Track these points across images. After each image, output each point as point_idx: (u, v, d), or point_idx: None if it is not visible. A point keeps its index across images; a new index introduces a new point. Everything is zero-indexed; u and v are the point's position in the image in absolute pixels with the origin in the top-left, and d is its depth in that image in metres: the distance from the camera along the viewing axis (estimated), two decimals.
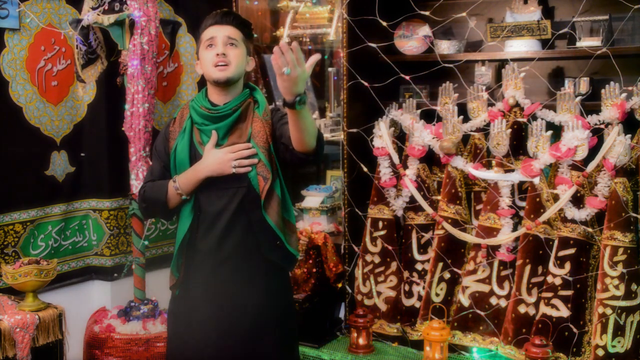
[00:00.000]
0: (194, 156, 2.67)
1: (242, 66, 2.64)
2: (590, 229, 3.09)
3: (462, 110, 3.40)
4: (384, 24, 3.46)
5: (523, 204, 3.25)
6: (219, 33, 2.61)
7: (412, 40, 3.70)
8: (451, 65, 3.36)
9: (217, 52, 2.59)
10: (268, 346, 2.68)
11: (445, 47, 3.61)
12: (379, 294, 3.60)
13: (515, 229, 3.25)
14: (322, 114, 4.28)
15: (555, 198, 3.13)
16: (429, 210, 3.44)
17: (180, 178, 2.65)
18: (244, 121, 2.65)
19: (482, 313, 3.32)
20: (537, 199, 3.17)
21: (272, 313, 2.70)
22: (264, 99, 2.73)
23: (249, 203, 2.62)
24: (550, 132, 3.13)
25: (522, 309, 3.22)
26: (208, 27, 2.65)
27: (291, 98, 2.35)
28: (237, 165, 2.59)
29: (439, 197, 3.44)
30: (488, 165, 3.32)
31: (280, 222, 2.64)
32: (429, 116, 3.53)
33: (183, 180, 2.64)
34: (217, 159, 2.60)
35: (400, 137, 3.61)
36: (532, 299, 3.21)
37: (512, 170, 3.20)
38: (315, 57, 2.35)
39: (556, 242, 3.13)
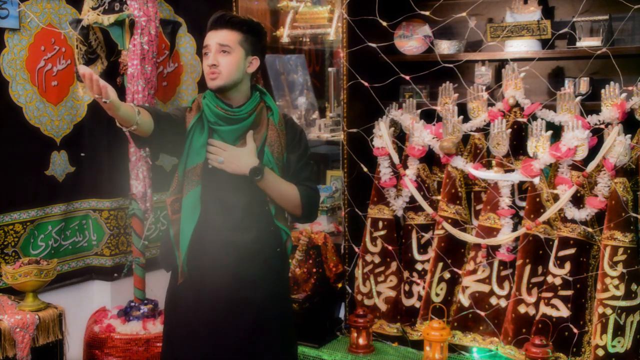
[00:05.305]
0: None
1: (236, 72, 2.58)
2: (590, 229, 3.09)
3: (462, 110, 3.40)
4: (384, 24, 3.45)
5: (523, 204, 3.25)
6: (212, 40, 2.58)
7: (412, 40, 3.70)
8: (451, 65, 3.35)
9: (208, 62, 2.57)
10: (265, 348, 2.67)
11: (445, 47, 3.61)
12: (379, 294, 3.60)
13: (515, 229, 3.25)
14: (322, 114, 4.28)
15: (555, 198, 3.13)
16: (429, 210, 3.44)
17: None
18: (258, 125, 2.64)
19: (482, 313, 3.32)
20: (537, 199, 3.17)
21: (271, 314, 2.69)
22: (276, 105, 2.73)
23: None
24: (550, 132, 3.13)
25: (522, 309, 3.22)
26: (207, 32, 2.62)
27: (245, 172, 2.54)
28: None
29: (439, 197, 3.44)
30: (488, 165, 3.32)
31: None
32: (429, 116, 3.52)
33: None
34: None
35: (400, 137, 3.61)
36: (532, 299, 3.20)
37: (512, 170, 3.20)
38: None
39: (556, 242, 3.13)
